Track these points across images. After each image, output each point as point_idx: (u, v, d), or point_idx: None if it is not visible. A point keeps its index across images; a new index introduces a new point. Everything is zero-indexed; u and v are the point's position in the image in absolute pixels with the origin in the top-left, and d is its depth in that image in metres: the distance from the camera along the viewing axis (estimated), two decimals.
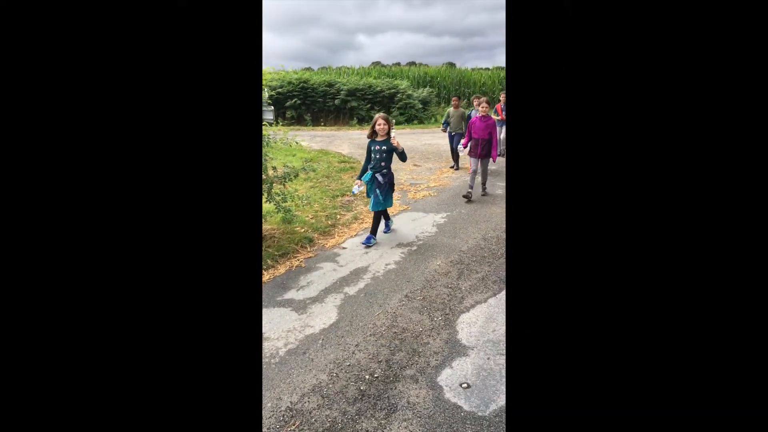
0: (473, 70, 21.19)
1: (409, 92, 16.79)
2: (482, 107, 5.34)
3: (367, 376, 2.09)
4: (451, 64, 25.05)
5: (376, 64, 26.84)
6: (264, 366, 2.18)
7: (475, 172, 5.47)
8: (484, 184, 5.68)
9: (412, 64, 25.06)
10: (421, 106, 16.64)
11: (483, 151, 5.34)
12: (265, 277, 3.28)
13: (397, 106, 16.38)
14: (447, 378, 2.07)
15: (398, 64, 25.90)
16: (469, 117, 6.45)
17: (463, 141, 5.65)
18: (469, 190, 5.42)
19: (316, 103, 16.40)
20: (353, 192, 4.06)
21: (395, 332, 2.49)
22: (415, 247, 3.83)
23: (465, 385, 2.00)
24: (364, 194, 4.11)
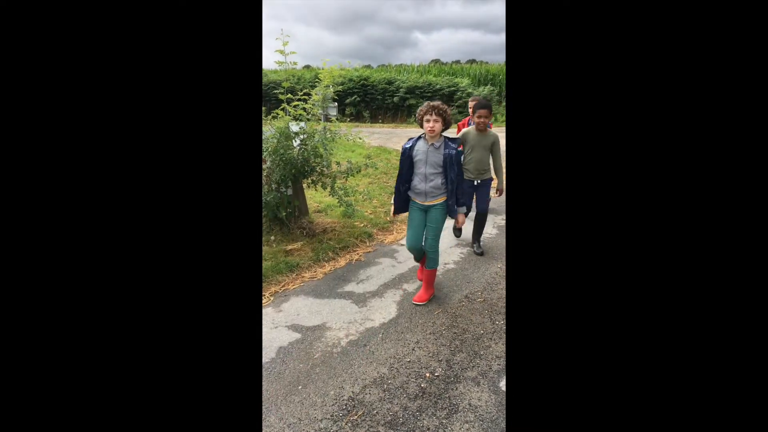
0: None
1: (470, 90, 16.47)
2: None
3: (427, 374, 2.08)
4: None
5: (436, 62, 26.59)
6: (326, 355, 2.24)
7: None
8: None
9: (472, 61, 24.55)
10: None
11: None
12: (326, 268, 3.37)
13: (457, 104, 16.14)
14: None
15: (458, 62, 25.48)
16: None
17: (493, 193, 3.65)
18: None
19: (375, 100, 16.58)
20: None
21: (455, 333, 2.45)
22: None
23: None
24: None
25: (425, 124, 2.49)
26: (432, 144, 2.53)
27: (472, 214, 3.89)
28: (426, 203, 2.62)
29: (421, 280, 2.99)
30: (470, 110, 4.30)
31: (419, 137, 2.61)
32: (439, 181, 2.56)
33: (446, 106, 2.51)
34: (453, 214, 2.62)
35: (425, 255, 2.76)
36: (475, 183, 3.48)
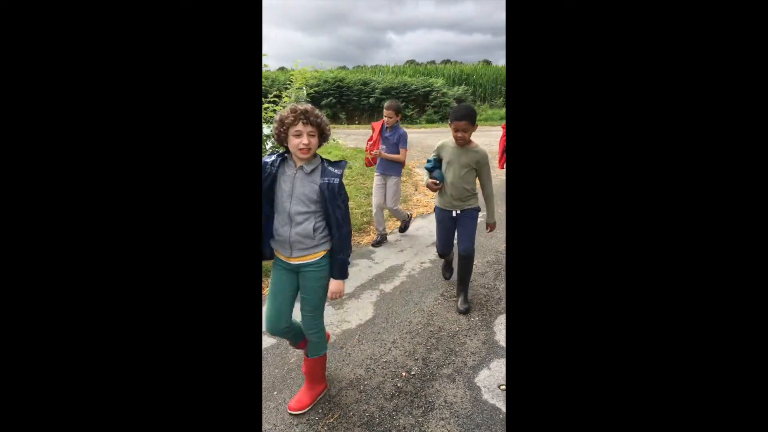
0: None
1: (444, 90, 16.66)
2: None
3: (403, 374, 2.09)
4: (487, 62, 24.63)
5: (411, 62, 26.78)
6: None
7: None
8: None
9: (447, 62, 24.83)
10: (456, 104, 16.55)
11: None
12: None
13: (432, 104, 16.30)
14: (485, 379, 2.04)
15: (433, 62, 25.71)
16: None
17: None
18: None
19: (351, 101, 16.58)
20: None
21: (431, 331, 2.48)
22: None
23: (504, 388, 1.97)
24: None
25: (294, 140, 1.59)
26: (301, 168, 1.64)
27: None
28: (292, 260, 1.70)
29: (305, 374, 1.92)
30: (386, 118, 3.66)
31: (282, 156, 1.69)
32: (310, 225, 1.65)
33: (321, 112, 1.67)
34: (342, 275, 1.75)
35: (303, 339, 1.91)
36: (454, 214, 2.62)
